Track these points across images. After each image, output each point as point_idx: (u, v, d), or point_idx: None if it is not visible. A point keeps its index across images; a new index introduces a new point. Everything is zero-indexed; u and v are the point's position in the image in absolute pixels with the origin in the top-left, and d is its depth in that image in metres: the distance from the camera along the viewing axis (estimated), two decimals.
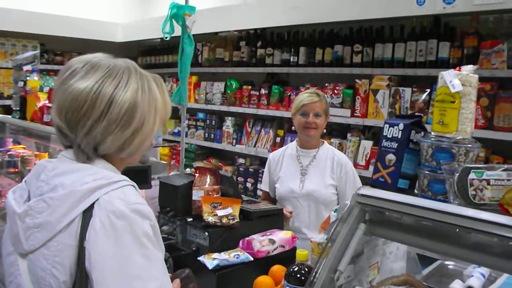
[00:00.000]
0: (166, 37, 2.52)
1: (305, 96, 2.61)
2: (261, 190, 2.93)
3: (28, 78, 3.25)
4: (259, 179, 4.42)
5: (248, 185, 4.51)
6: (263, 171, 4.35)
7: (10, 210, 1.13)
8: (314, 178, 2.60)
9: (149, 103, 1.14)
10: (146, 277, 1.01)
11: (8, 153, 3.29)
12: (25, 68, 3.37)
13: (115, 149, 1.12)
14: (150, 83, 1.17)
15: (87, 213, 1.03)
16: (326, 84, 3.84)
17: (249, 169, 4.55)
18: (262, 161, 4.57)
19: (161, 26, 2.55)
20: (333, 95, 3.75)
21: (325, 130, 2.70)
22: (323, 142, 2.72)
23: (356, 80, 3.62)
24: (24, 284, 1.08)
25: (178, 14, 2.46)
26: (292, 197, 2.62)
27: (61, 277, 1.02)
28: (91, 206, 1.04)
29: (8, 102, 5.06)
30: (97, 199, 1.04)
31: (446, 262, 2.06)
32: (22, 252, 1.09)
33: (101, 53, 1.17)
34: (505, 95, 2.84)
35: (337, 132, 3.92)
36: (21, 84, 3.31)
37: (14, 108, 3.59)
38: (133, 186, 1.11)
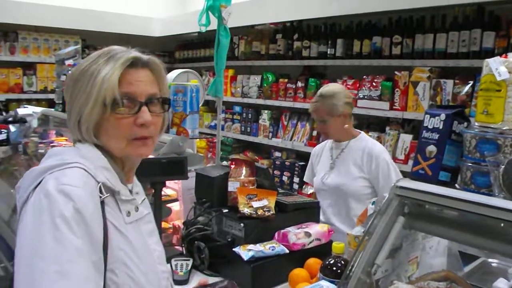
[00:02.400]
0: (202, 29, 2.54)
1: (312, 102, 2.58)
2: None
3: (70, 72, 3.34)
4: (295, 172, 4.40)
5: (284, 178, 4.49)
6: (299, 165, 4.38)
7: None
8: (342, 171, 2.56)
9: (88, 78, 1.09)
10: (49, 260, 0.95)
11: (51, 144, 3.40)
12: (67, 62, 3.46)
13: (71, 126, 1.14)
14: (109, 58, 1.11)
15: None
16: (364, 77, 3.77)
17: (285, 163, 4.53)
18: (299, 155, 4.55)
19: (197, 20, 2.57)
20: (371, 87, 3.68)
21: (356, 122, 2.62)
22: (360, 133, 2.64)
23: (396, 72, 3.53)
24: None
25: (214, 6, 2.46)
26: (322, 190, 2.61)
27: (13, 246, 1.06)
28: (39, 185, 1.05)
29: (52, 96, 5.23)
30: (43, 178, 1.05)
31: (490, 260, 1.98)
32: None
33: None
34: None
35: (375, 125, 3.85)
36: (63, 78, 3.41)
37: (56, 101, 3.70)
38: (84, 169, 1.07)
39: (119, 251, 1.08)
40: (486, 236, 1.25)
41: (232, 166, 2.12)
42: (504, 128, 1.24)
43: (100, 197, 1.06)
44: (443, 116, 1.35)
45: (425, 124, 1.39)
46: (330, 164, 2.62)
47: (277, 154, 4.79)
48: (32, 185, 1.05)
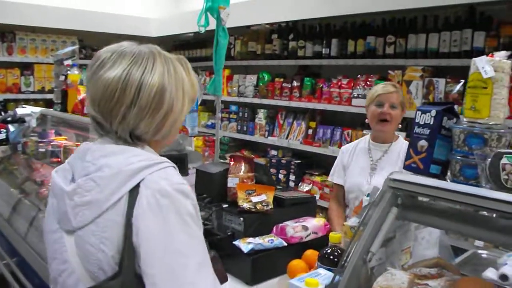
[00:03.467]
0: (201, 30, 2.60)
1: (380, 86, 2.53)
2: (332, 182, 2.79)
3: (69, 72, 3.38)
4: (291, 170, 4.47)
5: (281, 176, 4.56)
6: (295, 163, 4.44)
7: (58, 189, 1.19)
8: (385, 173, 2.53)
9: (176, 85, 1.19)
10: (189, 253, 1.07)
11: (51, 143, 3.44)
12: (66, 62, 3.50)
13: (151, 133, 1.17)
14: (175, 65, 1.22)
15: (134, 192, 1.08)
16: (359, 76, 3.84)
17: (282, 161, 4.60)
18: (294, 153, 4.62)
19: (194, 21, 2.64)
20: (365, 86, 3.75)
21: (400, 125, 2.58)
22: (398, 136, 2.63)
23: (389, 72, 3.61)
24: (71, 259, 1.13)
25: (213, 7, 2.53)
26: (359, 191, 2.55)
27: (109, 251, 1.08)
28: (137, 185, 1.09)
29: (49, 96, 5.27)
30: (143, 179, 1.09)
31: (479, 251, 2.06)
32: (69, 229, 1.14)
33: (126, 41, 1.20)
34: None
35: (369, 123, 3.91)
36: (62, 78, 3.45)
37: (55, 101, 3.73)
38: (173, 167, 1.17)
39: None
40: (474, 224, 1.32)
41: (232, 163, 2.18)
42: (490, 123, 1.31)
43: None
44: (433, 113, 1.41)
45: (416, 120, 1.46)
46: (371, 165, 2.58)
47: (273, 152, 4.85)
48: (126, 186, 1.09)
